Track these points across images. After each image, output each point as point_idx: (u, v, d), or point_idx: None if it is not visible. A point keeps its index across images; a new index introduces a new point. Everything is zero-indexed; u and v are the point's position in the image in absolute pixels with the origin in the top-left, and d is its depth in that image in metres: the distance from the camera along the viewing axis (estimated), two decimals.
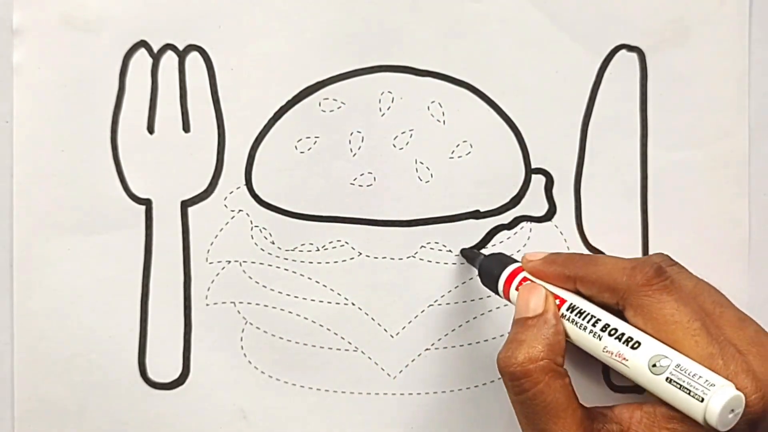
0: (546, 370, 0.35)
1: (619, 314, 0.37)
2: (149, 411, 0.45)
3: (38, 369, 0.45)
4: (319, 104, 0.45)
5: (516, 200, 0.46)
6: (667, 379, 0.33)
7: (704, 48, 0.46)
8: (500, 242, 0.46)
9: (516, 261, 0.42)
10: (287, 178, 0.45)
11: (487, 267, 0.43)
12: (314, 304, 0.45)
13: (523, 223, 0.46)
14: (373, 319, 0.46)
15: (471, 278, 0.46)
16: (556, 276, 0.39)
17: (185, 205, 0.45)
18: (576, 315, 0.37)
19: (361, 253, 0.45)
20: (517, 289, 0.40)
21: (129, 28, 0.44)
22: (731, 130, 0.46)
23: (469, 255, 0.45)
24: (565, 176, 0.46)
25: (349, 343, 0.46)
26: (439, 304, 0.46)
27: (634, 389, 0.46)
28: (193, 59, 0.45)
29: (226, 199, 0.45)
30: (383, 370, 0.46)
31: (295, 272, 0.45)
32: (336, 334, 0.46)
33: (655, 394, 0.34)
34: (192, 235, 0.45)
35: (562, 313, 0.37)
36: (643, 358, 0.34)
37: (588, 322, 0.36)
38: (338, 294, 0.45)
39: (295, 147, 0.45)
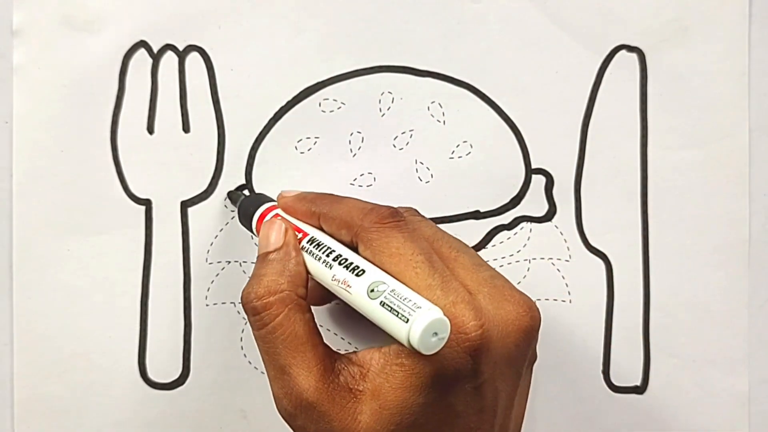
0: (286, 301, 0.36)
1: (356, 252, 0.37)
2: (149, 411, 0.45)
3: (38, 369, 0.45)
4: (319, 104, 0.45)
5: (516, 200, 0.46)
6: (381, 303, 0.33)
7: (704, 48, 0.46)
8: (500, 242, 0.46)
9: (272, 200, 0.42)
10: (287, 179, 0.45)
11: (244, 206, 0.42)
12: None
13: (524, 224, 0.46)
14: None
15: None
16: (303, 212, 0.39)
17: (185, 205, 0.45)
18: (314, 247, 0.37)
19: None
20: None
21: (129, 29, 0.44)
22: (731, 130, 0.46)
23: (233, 196, 0.45)
24: (565, 176, 0.46)
25: (349, 343, 0.46)
26: None
27: (634, 390, 0.47)
28: (193, 59, 0.45)
29: (226, 199, 0.45)
30: None
31: None
32: (336, 335, 0.46)
33: (371, 319, 0.34)
34: (192, 236, 0.45)
35: (303, 246, 0.38)
36: (364, 283, 0.34)
37: (323, 252, 0.37)
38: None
39: (296, 147, 0.45)
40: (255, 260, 0.39)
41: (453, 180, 0.46)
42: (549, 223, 0.46)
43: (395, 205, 0.38)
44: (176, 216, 0.45)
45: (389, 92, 0.45)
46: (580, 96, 0.46)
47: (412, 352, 0.32)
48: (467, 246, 0.39)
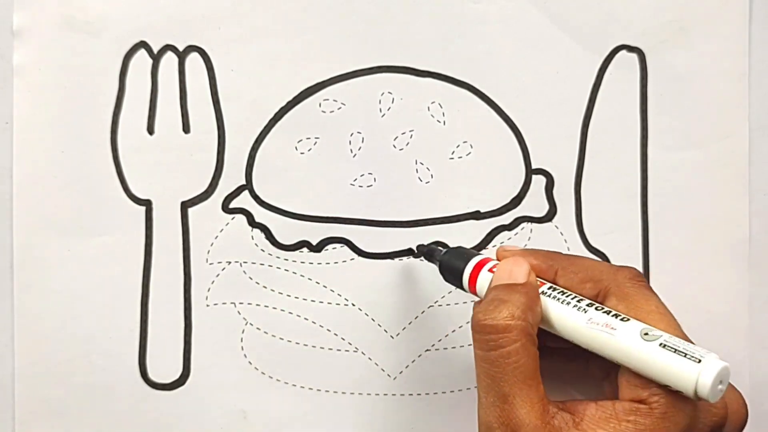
0: (525, 331, 0.35)
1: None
2: (150, 412, 0.45)
3: (39, 370, 0.45)
4: (320, 105, 0.45)
5: (516, 201, 0.46)
6: (661, 344, 0.33)
7: (704, 48, 0.46)
8: (501, 243, 0.46)
9: (478, 254, 0.41)
10: (287, 179, 0.45)
11: (448, 261, 0.41)
12: (314, 304, 0.45)
13: (524, 224, 0.46)
14: (373, 320, 0.46)
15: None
16: (536, 266, 0.38)
17: (185, 205, 0.45)
18: (558, 293, 0.37)
19: (361, 254, 0.45)
20: (491, 270, 0.39)
21: (129, 29, 0.44)
22: (731, 131, 0.46)
23: (427, 251, 0.44)
24: (565, 177, 0.46)
25: (350, 343, 0.46)
26: (440, 305, 0.46)
27: None
28: (193, 60, 0.45)
29: (226, 199, 0.45)
30: (383, 370, 0.46)
31: (295, 273, 0.45)
32: (336, 335, 0.46)
33: (641, 363, 0.33)
34: (192, 236, 0.45)
35: (543, 291, 0.37)
36: (634, 327, 0.34)
37: (572, 299, 0.36)
38: (338, 295, 0.45)
39: (296, 148, 0.45)
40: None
41: (453, 180, 0.46)
42: (549, 223, 0.46)
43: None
44: (176, 216, 0.45)
45: (389, 92, 0.46)
46: (580, 96, 0.46)
47: (647, 411, 0.33)
48: None
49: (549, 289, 0.37)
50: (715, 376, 0.32)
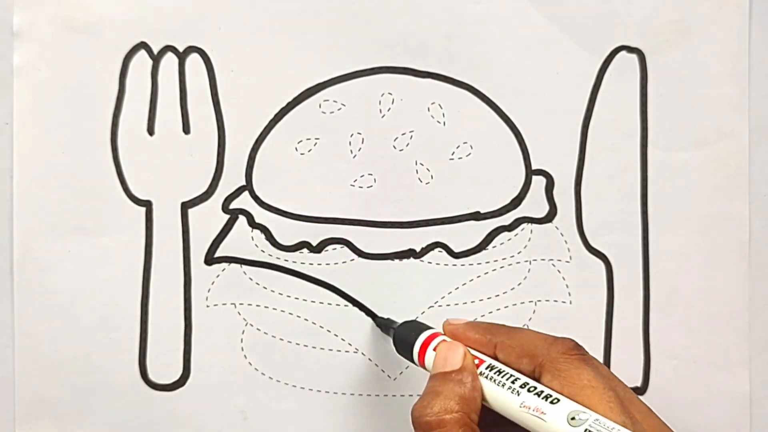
0: (460, 423, 0.35)
1: (536, 381, 0.36)
2: (150, 412, 0.45)
3: (39, 370, 0.45)
4: (320, 105, 0.45)
5: (516, 201, 0.46)
6: (586, 430, 0.33)
7: (704, 49, 0.46)
8: (501, 244, 0.46)
9: (430, 327, 0.41)
10: (287, 180, 0.45)
11: (401, 334, 0.42)
12: (314, 305, 0.45)
13: (524, 225, 0.46)
14: (373, 320, 0.46)
15: (472, 280, 0.46)
16: (476, 341, 0.39)
17: (185, 206, 0.45)
18: (495, 373, 0.37)
19: (361, 255, 0.45)
20: (434, 350, 0.39)
21: (129, 30, 0.44)
22: (731, 131, 0.46)
23: (383, 324, 0.45)
24: (565, 177, 0.46)
25: (350, 344, 0.46)
26: (440, 306, 0.46)
27: (634, 391, 0.46)
28: (194, 61, 0.45)
29: (226, 200, 0.45)
30: (383, 371, 0.46)
31: (295, 273, 0.45)
32: (336, 336, 0.46)
33: None
34: (192, 237, 0.45)
35: (481, 371, 0.37)
36: (562, 411, 0.34)
37: (507, 379, 0.36)
38: (338, 295, 0.45)
39: (296, 148, 0.45)
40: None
41: (453, 181, 0.46)
42: (549, 224, 0.46)
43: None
44: (176, 217, 0.45)
45: (389, 93, 0.46)
46: (580, 97, 0.46)
47: None
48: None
49: (487, 368, 0.37)
50: None
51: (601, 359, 0.46)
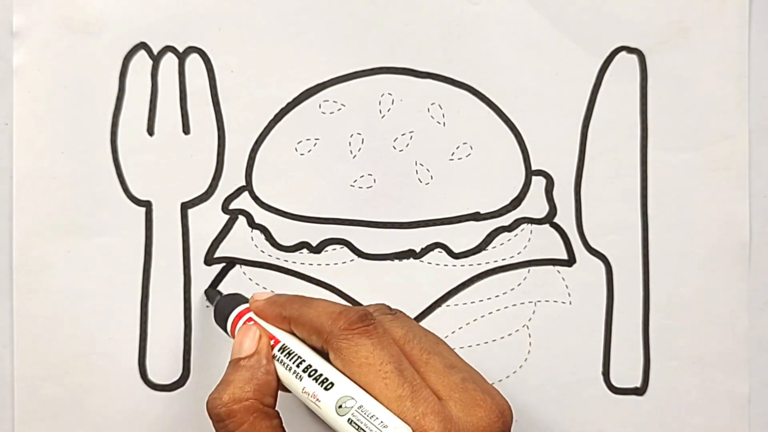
0: (251, 410, 0.35)
1: (327, 357, 0.36)
2: (149, 412, 0.45)
3: (38, 371, 0.45)
4: (320, 106, 0.45)
5: (516, 202, 0.46)
6: (348, 420, 0.33)
7: (704, 50, 0.46)
8: (501, 244, 0.46)
9: (244, 302, 0.41)
10: (287, 180, 0.45)
11: (220, 307, 0.42)
12: None
13: (524, 225, 0.46)
14: None
15: (472, 280, 0.46)
16: (275, 316, 0.39)
17: (185, 206, 0.45)
18: (285, 356, 0.37)
19: (361, 255, 0.45)
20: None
21: (129, 30, 0.44)
22: (731, 132, 0.46)
23: (210, 294, 0.45)
24: (565, 178, 0.46)
25: None
26: (440, 306, 0.46)
27: (634, 392, 0.47)
28: (193, 61, 0.45)
29: (226, 200, 0.45)
30: None
31: (295, 274, 0.45)
32: None
33: None
34: (192, 237, 0.45)
35: (274, 354, 0.37)
36: (332, 398, 0.34)
37: (293, 362, 0.36)
38: (338, 296, 0.45)
39: (296, 149, 0.45)
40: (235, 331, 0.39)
41: (453, 181, 0.46)
42: (549, 224, 0.46)
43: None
44: (176, 217, 0.45)
45: (389, 93, 0.45)
46: (580, 97, 0.46)
47: None
48: (440, 342, 0.38)
49: (279, 351, 0.37)
50: None
51: (600, 360, 0.46)
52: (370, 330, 0.35)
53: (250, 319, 0.40)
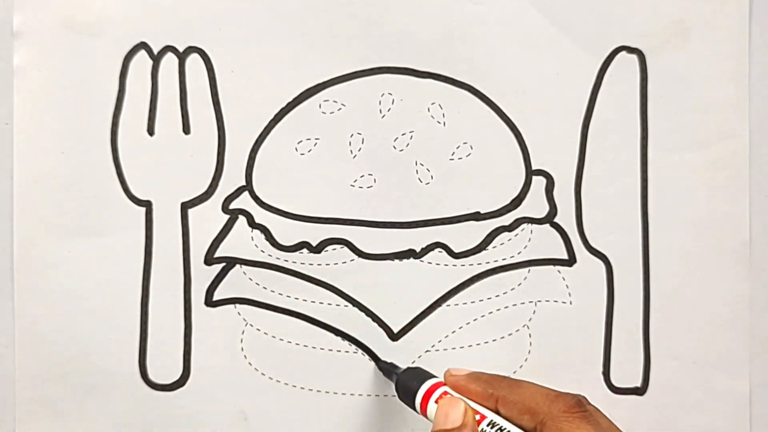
0: None
1: None
2: (150, 412, 0.45)
3: (39, 371, 0.45)
4: (320, 106, 0.45)
5: (517, 202, 0.46)
6: None
7: (704, 50, 0.46)
8: (501, 244, 0.46)
9: (434, 376, 0.41)
10: (287, 180, 0.45)
11: (404, 381, 0.42)
12: (314, 305, 0.45)
13: (524, 225, 0.46)
14: (373, 320, 0.46)
15: (472, 280, 0.46)
16: (478, 393, 0.39)
17: (185, 206, 0.45)
18: (496, 431, 0.37)
19: (361, 255, 0.45)
20: (436, 402, 0.39)
21: (129, 30, 0.44)
22: (732, 132, 0.46)
23: (386, 368, 0.44)
24: (565, 178, 0.46)
25: (350, 344, 0.46)
26: (440, 306, 0.46)
27: (634, 391, 0.47)
28: (194, 61, 0.45)
29: (226, 200, 0.45)
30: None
31: (295, 274, 0.45)
32: (336, 336, 0.46)
33: None
34: (192, 237, 0.45)
35: (482, 429, 0.37)
36: None
37: None
38: (338, 296, 0.45)
39: (296, 149, 0.45)
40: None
41: (453, 181, 0.46)
42: (549, 224, 0.46)
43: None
44: (176, 217, 0.45)
45: (389, 93, 0.45)
46: (580, 97, 0.46)
47: None
48: None
49: (488, 426, 0.37)
50: None
51: (600, 359, 0.46)
52: (587, 416, 0.36)
53: (446, 392, 0.39)
